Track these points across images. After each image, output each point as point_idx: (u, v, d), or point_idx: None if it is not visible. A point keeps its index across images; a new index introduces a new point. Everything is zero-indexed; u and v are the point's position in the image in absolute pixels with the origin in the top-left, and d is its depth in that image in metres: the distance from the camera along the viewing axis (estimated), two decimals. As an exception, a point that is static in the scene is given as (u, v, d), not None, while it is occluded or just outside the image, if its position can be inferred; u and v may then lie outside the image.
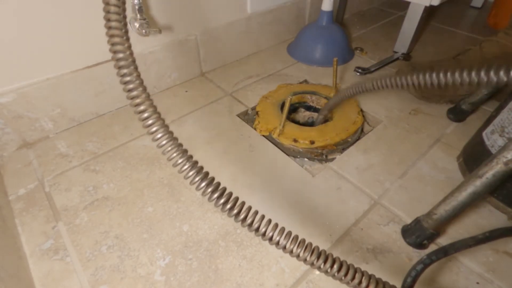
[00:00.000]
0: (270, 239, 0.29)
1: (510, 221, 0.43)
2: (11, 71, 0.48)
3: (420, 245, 0.40)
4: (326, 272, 0.27)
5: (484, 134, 0.45)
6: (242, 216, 0.29)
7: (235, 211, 0.29)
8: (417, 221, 0.40)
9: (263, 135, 0.57)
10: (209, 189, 0.30)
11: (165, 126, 0.31)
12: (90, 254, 0.40)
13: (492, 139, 0.43)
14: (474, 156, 0.47)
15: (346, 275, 0.27)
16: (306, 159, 0.53)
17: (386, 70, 0.76)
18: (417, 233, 0.40)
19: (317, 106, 0.65)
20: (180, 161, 0.30)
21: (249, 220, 0.29)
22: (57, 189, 0.48)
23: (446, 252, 0.32)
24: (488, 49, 0.59)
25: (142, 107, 0.30)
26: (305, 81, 0.73)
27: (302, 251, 0.28)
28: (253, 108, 0.64)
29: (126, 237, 0.42)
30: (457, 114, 0.60)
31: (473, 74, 0.27)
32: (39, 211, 0.45)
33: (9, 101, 0.49)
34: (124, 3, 0.31)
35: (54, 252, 0.40)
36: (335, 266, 0.27)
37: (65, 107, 0.56)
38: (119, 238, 0.42)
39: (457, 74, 0.28)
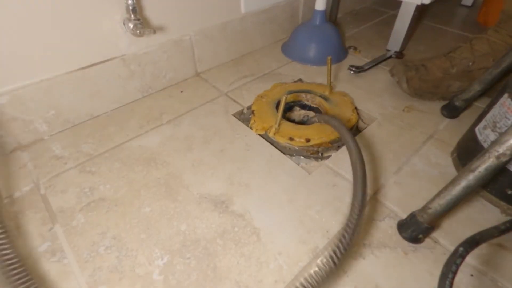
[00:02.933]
0: None
1: (503, 215, 0.44)
2: (5, 73, 0.48)
3: (415, 239, 0.41)
4: None
5: (476, 129, 0.46)
6: None
7: None
8: (412, 215, 0.41)
9: (259, 134, 0.57)
10: None
11: None
12: (87, 255, 0.40)
13: (485, 134, 0.44)
14: (467, 151, 0.48)
15: None
16: (302, 157, 0.54)
17: (379, 68, 0.77)
18: (412, 228, 0.40)
19: (312, 105, 0.66)
20: None
21: None
22: (53, 191, 0.47)
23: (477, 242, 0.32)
24: (479, 46, 0.60)
25: None
26: (300, 80, 0.73)
27: None
28: (249, 108, 0.64)
29: (123, 238, 0.42)
30: (451, 111, 0.61)
31: None
32: (35, 213, 0.44)
33: (3, 104, 0.49)
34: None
35: (51, 254, 0.40)
36: None
37: (59, 109, 0.55)
38: (116, 239, 0.42)
39: None
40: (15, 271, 0.32)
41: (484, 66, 0.59)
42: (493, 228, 0.33)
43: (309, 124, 0.58)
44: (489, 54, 0.59)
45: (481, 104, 0.64)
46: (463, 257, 0.31)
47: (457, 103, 0.60)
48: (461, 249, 0.32)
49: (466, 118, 0.61)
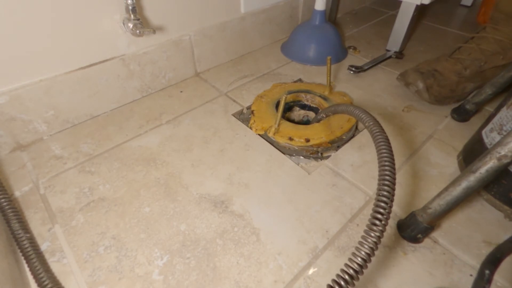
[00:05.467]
0: None
1: (507, 219, 0.44)
2: (4, 73, 0.48)
3: (414, 239, 0.41)
4: None
5: (483, 132, 0.46)
6: None
7: None
8: (412, 215, 0.41)
9: (259, 134, 0.57)
10: None
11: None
12: (87, 255, 0.40)
13: (491, 137, 0.43)
14: (473, 154, 0.48)
15: None
16: (301, 157, 0.54)
17: (379, 68, 0.77)
18: (411, 227, 0.40)
19: (311, 105, 0.66)
20: None
21: None
22: (52, 191, 0.47)
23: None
24: (486, 46, 0.60)
25: None
26: (300, 80, 0.73)
27: None
28: (248, 108, 0.64)
29: (123, 238, 0.42)
30: (461, 114, 0.60)
31: None
32: (34, 213, 0.44)
33: (2, 104, 0.49)
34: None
35: (51, 254, 0.40)
36: None
37: (59, 108, 0.55)
38: (116, 239, 0.42)
39: None
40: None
41: (495, 64, 0.60)
42: (509, 242, 0.31)
43: (315, 122, 0.58)
44: (499, 52, 0.59)
45: (491, 108, 0.63)
46: (490, 281, 0.30)
47: (468, 107, 0.59)
48: (487, 272, 0.30)
49: (470, 119, 0.61)
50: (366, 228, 0.30)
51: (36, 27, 0.47)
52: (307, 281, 0.38)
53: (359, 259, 0.28)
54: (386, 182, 0.32)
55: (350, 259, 0.29)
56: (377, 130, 0.38)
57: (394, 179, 0.33)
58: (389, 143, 0.36)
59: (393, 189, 0.32)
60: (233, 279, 0.38)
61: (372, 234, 0.29)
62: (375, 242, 0.29)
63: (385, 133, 0.38)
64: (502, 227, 0.43)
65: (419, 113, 0.63)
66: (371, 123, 0.39)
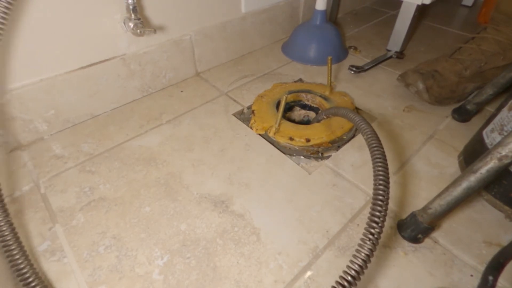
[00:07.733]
0: None
1: (507, 220, 0.44)
2: (4, 73, 0.48)
3: (415, 239, 0.41)
4: None
5: (484, 132, 0.46)
6: None
7: None
8: (412, 215, 0.41)
9: (259, 134, 0.57)
10: None
11: None
12: (87, 255, 0.40)
13: (492, 137, 0.43)
14: (474, 154, 0.48)
15: None
16: (302, 157, 0.54)
17: (379, 68, 0.77)
18: (412, 227, 0.40)
19: (312, 105, 0.66)
20: None
21: None
22: (53, 190, 0.47)
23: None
24: (487, 46, 0.60)
25: None
26: (300, 80, 0.73)
27: None
28: (249, 107, 0.64)
29: (123, 237, 0.42)
30: (462, 115, 0.60)
31: None
32: (35, 212, 0.44)
33: (3, 103, 0.49)
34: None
35: (51, 254, 0.40)
36: None
37: (59, 108, 0.55)
38: (116, 238, 0.42)
39: None
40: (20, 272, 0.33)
41: (495, 65, 0.60)
42: (511, 246, 0.32)
43: (315, 122, 0.58)
44: (499, 53, 0.59)
45: (492, 109, 0.63)
46: (493, 287, 0.30)
47: (468, 107, 0.59)
48: (490, 278, 0.30)
49: (471, 120, 0.61)
50: (364, 231, 0.30)
51: (36, 27, 0.47)
52: (307, 281, 0.38)
53: (358, 263, 0.29)
54: (381, 182, 0.34)
55: (350, 262, 0.29)
56: (375, 145, 0.39)
57: (388, 183, 0.35)
58: (385, 156, 0.38)
59: (388, 188, 0.34)
60: (233, 279, 0.38)
61: (370, 236, 0.30)
62: (373, 243, 0.29)
63: (382, 147, 0.39)
64: (502, 227, 0.43)
65: (419, 113, 0.63)
66: (369, 134, 0.41)
